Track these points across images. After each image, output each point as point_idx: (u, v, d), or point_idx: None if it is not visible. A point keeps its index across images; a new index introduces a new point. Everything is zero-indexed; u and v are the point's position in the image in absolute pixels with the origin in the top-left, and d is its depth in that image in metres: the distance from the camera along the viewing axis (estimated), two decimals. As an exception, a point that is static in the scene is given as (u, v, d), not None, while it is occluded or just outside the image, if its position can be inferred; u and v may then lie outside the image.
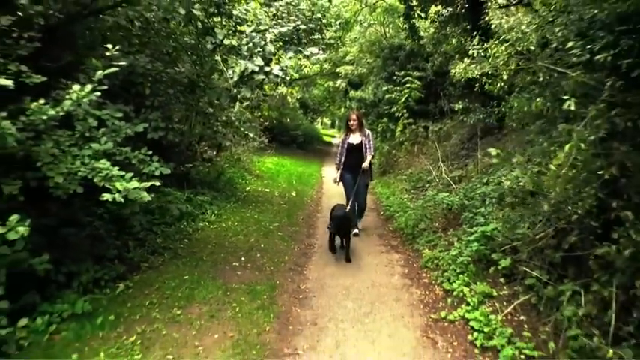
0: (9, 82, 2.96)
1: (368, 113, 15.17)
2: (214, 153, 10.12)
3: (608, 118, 2.80)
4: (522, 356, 3.38)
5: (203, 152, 9.48)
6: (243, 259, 6.01)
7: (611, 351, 2.73)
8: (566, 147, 2.80)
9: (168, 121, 5.91)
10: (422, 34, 13.29)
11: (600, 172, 2.81)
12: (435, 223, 6.87)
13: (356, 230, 7.41)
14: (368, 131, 7.58)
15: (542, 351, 3.37)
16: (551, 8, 3.27)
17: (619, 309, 2.87)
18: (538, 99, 3.50)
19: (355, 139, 7.43)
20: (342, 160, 7.56)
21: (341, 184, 7.61)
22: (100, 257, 4.87)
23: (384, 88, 13.71)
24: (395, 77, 13.03)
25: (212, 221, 7.59)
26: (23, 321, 3.42)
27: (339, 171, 7.57)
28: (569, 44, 3.10)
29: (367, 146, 7.32)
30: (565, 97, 2.79)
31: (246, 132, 9.65)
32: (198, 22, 5.03)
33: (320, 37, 7.55)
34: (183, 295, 4.64)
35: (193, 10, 4.58)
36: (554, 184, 2.92)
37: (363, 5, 13.70)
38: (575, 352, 3.05)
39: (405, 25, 13.06)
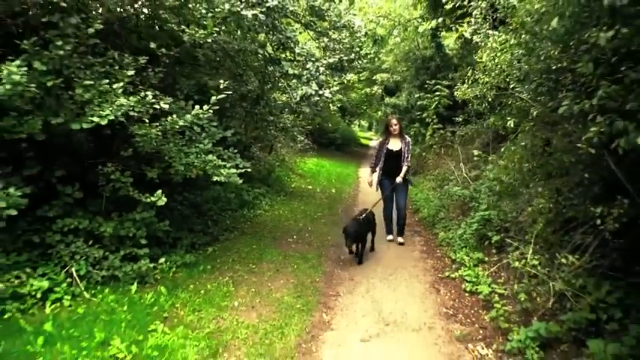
0: (166, 106, 4.72)
1: (402, 118, 16.67)
2: (264, 154, 11.86)
3: (533, 132, 4.40)
4: (495, 294, 4.97)
5: (254, 153, 11.22)
6: (295, 237, 7.74)
7: (517, 263, 4.35)
8: (503, 149, 4.41)
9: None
10: (451, 45, 14.71)
11: (526, 164, 4.44)
12: (452, 212, 8.42)
13: (400, 240, 7.68)
14: (408, 138, 7.64)
15: (509, 291, 4.96)
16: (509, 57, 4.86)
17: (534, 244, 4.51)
18: (495, 118, 5.13)
19: (395, 145, 7.49)
20: (380, 165, 7.59)
21: (378, 188, 7.78)
22: (190, 230, 6.64)
23: (417, 96, 15.21)
24: (426, 86, 14.48)
25: (267, 210, 9.33)
26: (162, 259, 5.23)
27: (375, 175, 7.71)
28: (512, 85, 4.73)
29: (405, 155, 7.43)
30: (508, 118, 4.37)
31: (296, 135, 11.41)
32: (266, 54, 6.79)
33: (359, 63, 9.15)
34: (255, 257, 6.38)
35: (267, 49, 6.34)
36: (504, 172, 4.51)
37: (397, 24, 15.16)
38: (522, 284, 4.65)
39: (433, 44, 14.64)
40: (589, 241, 3.92)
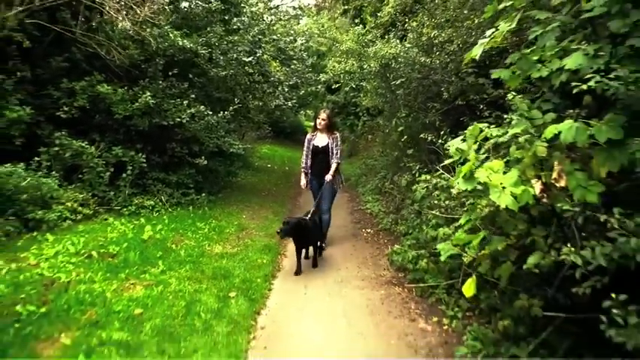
0: (210, 112, 9.28)
1: (340, 112, 21.41)
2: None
3: (390, 126, 9.34)
4: (381, 211, 9.83)
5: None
6: (266, 193, 12.52)
7: (386, 186, 9.30)
8: (393, 135, 9.26)
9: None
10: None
11: (391, 143, 9.43)
12: (369, 177, 13.31)
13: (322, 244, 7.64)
14: (337, 134, 7.43)
15: (385, 208, 9.84)
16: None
17: (390, 176, 9.47)
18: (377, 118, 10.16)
19: (321, 140, 7.38)
20: (309, 163, 7.50)
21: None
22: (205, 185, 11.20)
23: (352, 94, 20.03)
24: (359, 87, 19.29)
25: (243, 178, 14.01)
26: (203, 194, 9.79)
27: (307, 175, 7.64)
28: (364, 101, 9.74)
29: (334, 151, 7.22)
30: (379, 119, 9.23)
31: (263, 125, 16.18)
32: (253, 79, 11.50)
33: (310, 83, 14.00)
34: (246, 200, 11.08)
35: (254, 76, 11.13)
36: (386, 147, 9.43)
37: (334, 42, 19.79)
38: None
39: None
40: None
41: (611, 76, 2.69)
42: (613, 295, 2.47)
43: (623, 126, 2.77)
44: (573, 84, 2.86)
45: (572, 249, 2.72)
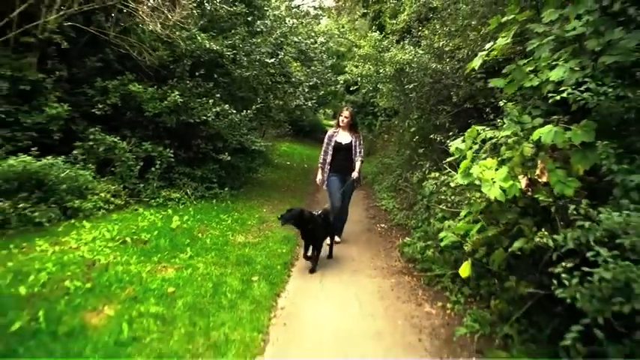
0: (234, 111, 9.83)
1: (359, 112, 21.86)
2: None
3: (403, 127, 9.84)
4: (395, 208, 10.30)
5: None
6: (285, 189, 13.05)
7: (398, 182, 9.78)
8: (406, 135, 9.75)
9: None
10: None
11: (404, 142, 9.90)
12: (385, 175, 13.78)
13: (337, 239, 7.81)
14: (359, 133, 7.74)
15: (399, 205, 10.31)
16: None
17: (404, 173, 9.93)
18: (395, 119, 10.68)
19: (344, 138, 7.52)
20: (328, 160, 7.56)
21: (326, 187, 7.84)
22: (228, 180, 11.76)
23: (370, 94, 20.51)
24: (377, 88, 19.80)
25: (263, 174, 14.57)
26: (225, 189, 10.35)
27: (324, 172, 7.72)
28: (396, 107, 10.23)
29: (357, 149, 7.42)
30: (394, 119, 9.74)
31: (284, 123, 16.82)
32: (274, 79, 12.05)
33: (329, 84, 14.56)
34: (266, 195, 11.63)
35: (275, 77, 11.68)
36: (400, 147, 9.94)
37: (354, 46, 20.35)
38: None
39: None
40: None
41: (582, 88, 3.18)
42: (563, 264, 2.97)
43: (597, 130, 3.25)
44: (549, 95, 3.35)
45: (546, 233, 3.20)
